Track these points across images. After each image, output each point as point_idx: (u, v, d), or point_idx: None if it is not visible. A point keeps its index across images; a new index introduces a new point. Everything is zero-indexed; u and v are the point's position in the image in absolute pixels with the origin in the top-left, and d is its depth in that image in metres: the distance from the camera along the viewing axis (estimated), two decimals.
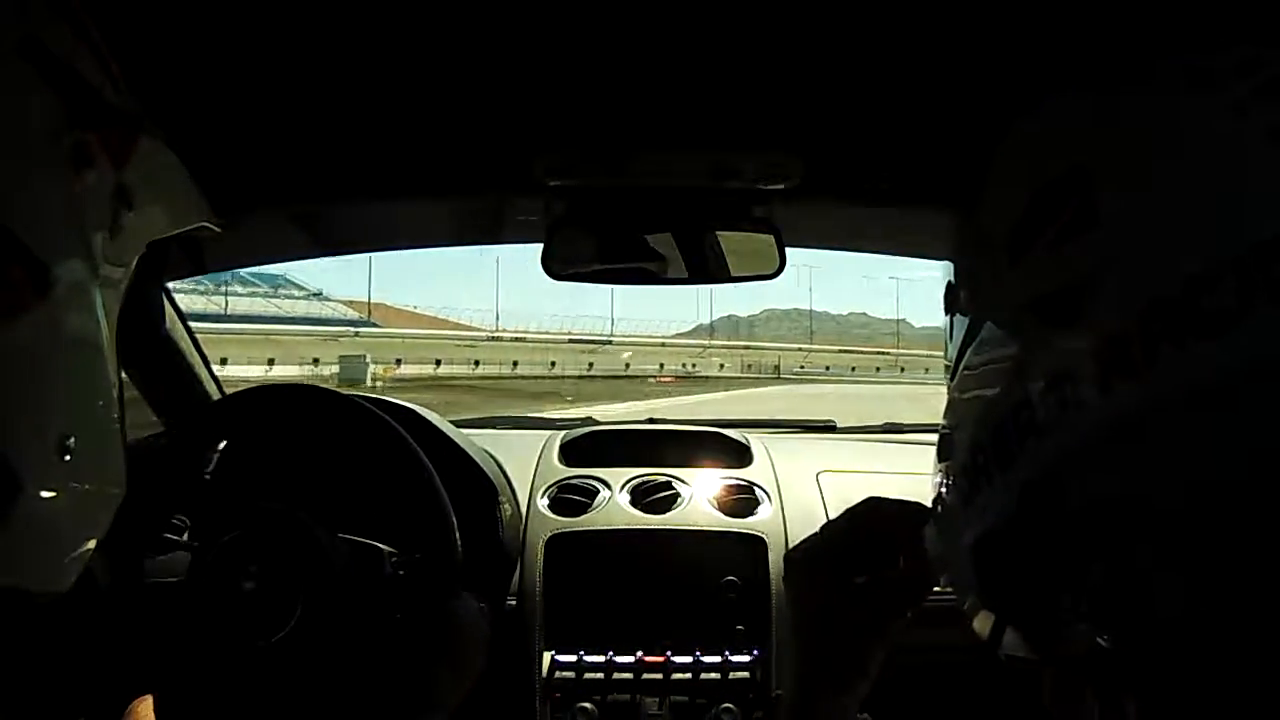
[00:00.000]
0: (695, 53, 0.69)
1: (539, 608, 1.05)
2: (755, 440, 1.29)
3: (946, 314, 0.40)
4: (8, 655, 0.69)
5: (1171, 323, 0.28)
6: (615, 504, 1.14)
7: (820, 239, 1.19)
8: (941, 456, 0.39)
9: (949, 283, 0.41)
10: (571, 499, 1.14)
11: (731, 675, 1.03)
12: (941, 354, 0.41)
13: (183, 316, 1.17)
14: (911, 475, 1.19)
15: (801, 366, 47.11)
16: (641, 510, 1.13)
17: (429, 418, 1.06)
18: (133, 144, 0.44)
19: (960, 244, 0.41)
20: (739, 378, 38.50)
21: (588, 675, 1.03)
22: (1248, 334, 0.26)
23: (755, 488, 1.16)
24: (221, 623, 0.79)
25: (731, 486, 1.16)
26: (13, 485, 0.36)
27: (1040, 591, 0.32)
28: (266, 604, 0.79)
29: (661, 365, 42.52)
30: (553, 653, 1.04)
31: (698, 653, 1.03)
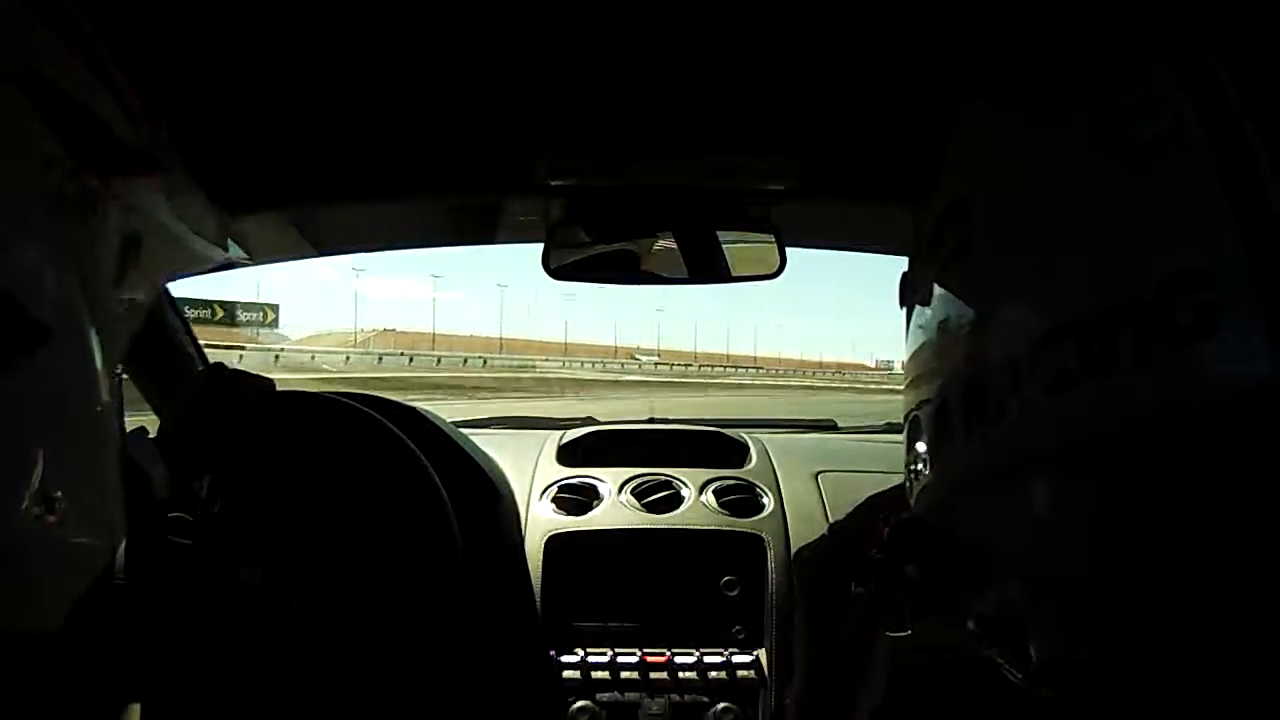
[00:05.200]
0: (695, 54, 0.69)
1: (539, 608, 1.06)
2: (755, 440, 1.29)
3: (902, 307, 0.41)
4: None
5: (1015, 379, 0.27)
6: (615, 504, 1.14)
7: (820, 239, 1.19)
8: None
9: (903, 276, 0.41)
10: (571, 499, 1.14)
11: (732, 675, 1.03)
12: None
13: (181, 316, 1.17)
14: None
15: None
16: (641, 510, 1.13)
17: (429, 418, 1.06)
18: (145, 183, 0.41)
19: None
20: None
21: (588, 675, 1.03)
22: (1079, 404, 0.25)
23: (755, 487, 1.16)
24: (219, 617, 0.80)
25: (731, 486, 1.16)
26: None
27: None
28: (263, 599, 0.79)
29: None
30: (553, 652, 1.04)
31: (698, 652, 1.03)
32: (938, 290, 0.35)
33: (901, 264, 0.41)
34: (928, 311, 0.36)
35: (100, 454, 0.41)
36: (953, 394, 0.32)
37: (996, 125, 0.33)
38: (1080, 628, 0.28)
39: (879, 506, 0.51)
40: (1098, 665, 0.27)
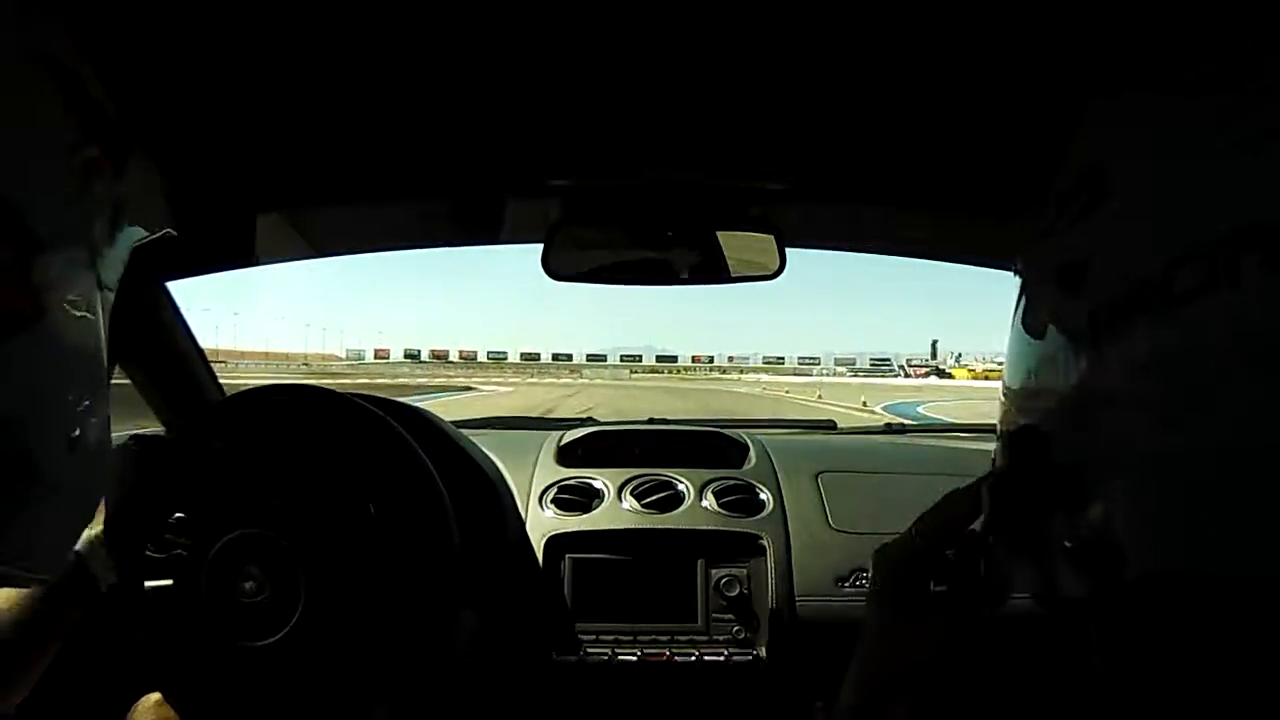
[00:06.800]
0: (695, 54, 0.69)
1: (539, 608, 1.06)
2: (754, 440, 1.29)
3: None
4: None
5: (1147, 298, 0.31)
6: (615, 505, 1.14)
7: (820, 239, 1.19)
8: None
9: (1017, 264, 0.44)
10: (571, 499, 1.14)
11: (731, 675, 1.03)
12: None
13: (181, 317, 1.17)
14: (911, 475, 1.20)
15: None
16: (641, 511, 1.13)
17: (431, 418, 1.06)
18: (130, 157, 0.46)
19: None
20: None
21: (588, 675, 1.03)
22: (1208, 311, 0.28)
23: (755, 488, 1.16)
24: (219, 623, 0.79)
25: (731, 486, 1.16)
26: (31, 476, 0.38)
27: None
28: (266, 604, 0.79)
29: None
30: (553, 652, 1.04)
31: (698, 652, 1.03)
32: (1052, 324, 0.39)
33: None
34: (1039, 342, 0.40)
35: (102, 399, 0.46)
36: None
37: (1131, 119, 0.37)
38: (1177, 538, 0.30)
39: (958, 503, 0.50)
40: (1194, 574, 0.30)
